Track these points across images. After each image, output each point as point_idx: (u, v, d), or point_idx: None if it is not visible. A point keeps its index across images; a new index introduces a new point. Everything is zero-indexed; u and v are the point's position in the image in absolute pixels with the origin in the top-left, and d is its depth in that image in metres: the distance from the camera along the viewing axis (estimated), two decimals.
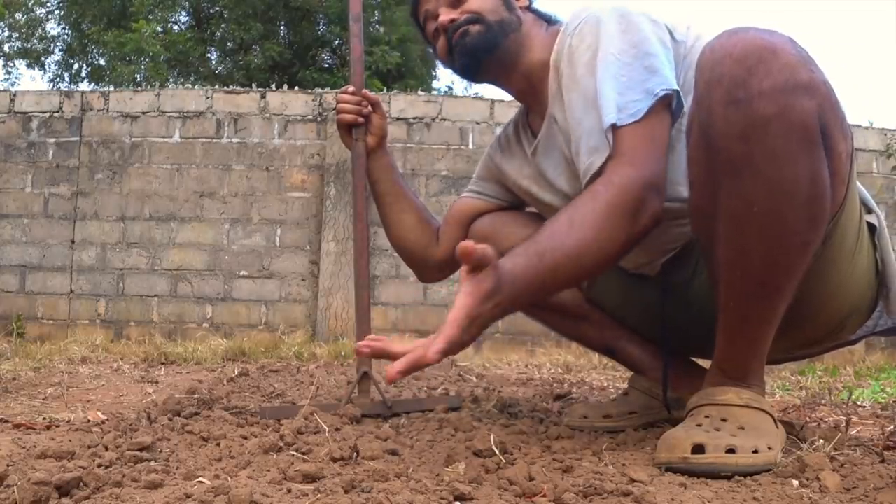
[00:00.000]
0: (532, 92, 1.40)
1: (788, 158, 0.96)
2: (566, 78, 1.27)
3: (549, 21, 1.43)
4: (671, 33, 1.24)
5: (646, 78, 1.16)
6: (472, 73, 1.41)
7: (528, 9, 1.44)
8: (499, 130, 1.56)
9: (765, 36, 0.98)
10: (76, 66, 12.82)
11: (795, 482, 0.96)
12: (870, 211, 1.24)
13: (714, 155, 1.01)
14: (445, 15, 1.38)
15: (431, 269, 1.65)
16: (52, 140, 5.17)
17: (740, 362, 1.11)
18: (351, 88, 1.59)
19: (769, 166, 0.97)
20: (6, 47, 12.83)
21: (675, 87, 1.16)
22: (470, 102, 5.23)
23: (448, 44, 1.39)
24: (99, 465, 0.99)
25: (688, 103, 1.16)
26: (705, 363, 1.35)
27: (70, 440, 1.21)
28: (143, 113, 5.17)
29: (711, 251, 1.09)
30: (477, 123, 5.11)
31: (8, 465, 0.97)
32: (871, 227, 1.23)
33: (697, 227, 1.15)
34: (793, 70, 0.95)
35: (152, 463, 1.03)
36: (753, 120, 0.95)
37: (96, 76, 12.47)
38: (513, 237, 1.48)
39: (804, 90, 0.95)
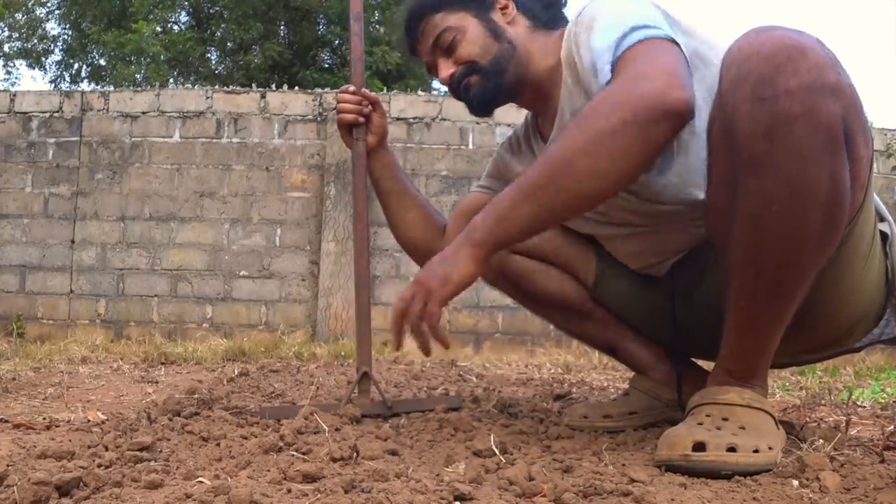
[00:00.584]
0: (543, 98, 1.39)
1: (811, 159, 0.96)
2: (575, 57, 1.26)
3: (546, 23, 1.41)
4: (676, 24, 1.23)
5: (647, 26, 1.15)
6: (487, 114, 1.46)
7: (521, 12, 1.42)
8: (499, 130, 1.59)
9: (793, 35, 0.97)
10: (76, 66, 12.83)
11: (795, 482, 0.96)
12: (882, 219, 1.24)
13: (736, 152, 1.01)
14: (444, 70, 1.42)
15: None
16: (52, 140, 5.17)
17: (746, 362, 1.11)
18: (351, 88, 1.59)
19: (792, 166, 0.96)
20: (6, 47, 12.84)
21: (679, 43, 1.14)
22: None
23: (455, 93, 1.44)
24: (99, 465, 0.99)
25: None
26: (707, 364, 1.36)
27: (70, 440, 1.21)
28: (143, 113, 5.17)
29: (725, 249, 1.09)
30: (477, 123, 5.10)
31: (8, 465, 0.97)
32: (884, 236, 1.23)
33: (713, 225, 1.15)
34: (821, 71, 0.95)
35: (152, 463, 1.03)
36: (779, 118, 0.95)
37: (96, 76, 12.48)
38: None
39: (831, 92, 0.95)
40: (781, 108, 0.94)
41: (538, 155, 1.45)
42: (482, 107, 1.42)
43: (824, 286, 1.10)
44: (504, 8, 1.41)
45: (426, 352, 1.20)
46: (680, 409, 1.41)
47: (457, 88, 1.42)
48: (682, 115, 1.06)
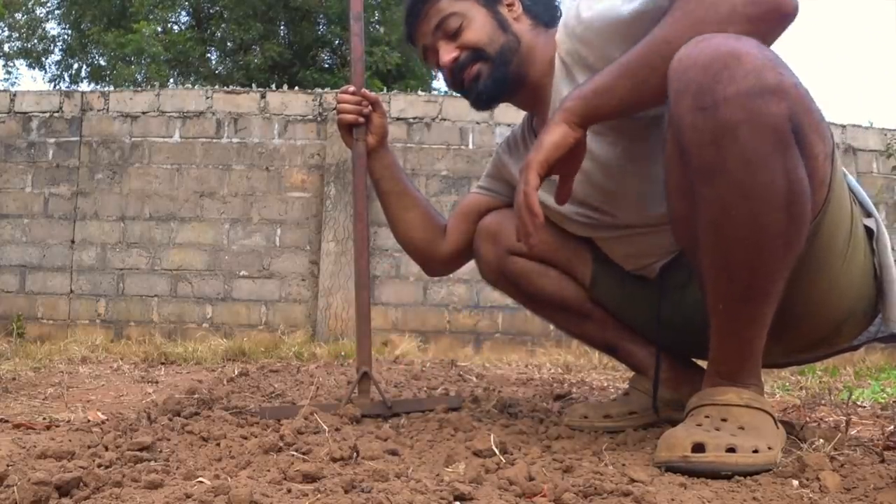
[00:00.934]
0: (539, 97, 1.39)
1: (761, 163, 0.96)
2: (581, 39, 1.25)
3: (546, 23, 1.42)
4: None
5: None
6: (490, 106, 1.45)
7: (526, 11, 1.43)
8: (499, 130, 1.59)
9: (730, 42, 0.97)
10: (76, 66, 12.83)
11: (795, 482, 0.96)
12: (868, 215, 1.23)
13: (687, 162, 1.02)
14: (446, 54, 1.40)
15: (437, 263, 1.66)
16: (52, 140, 5.16)
17: (734, 363, 1.11)
18: (351, 88, 1.59)
19: (742, 171, 0.97)
20: (6, 47, 12.84)
21: None
22: None
23: (453, 78, 1.42)
24: (99, 465, 0.99)
25: None
26: (705, 363, 1.36)
27: (70, 440, 1.21)
28: (143, 113, 5.17)
29: (695, 257, 1.09)
30: (477, 123, 5.10)
31: (8, 465, 0.97)
32: (869, 232, 1.22)
33: (679, 235, 1.16)
34: (758, 74, 0.95)
35: (152, 463, 1.03)
36: (721, 126, 0.95)
37: (96, 76, 12.48)
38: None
39: (772, 94, 0.95)
40: (722, 117, 0.95)
41: None
42: (490, 98, 1.41)
43: (801, 285, 1.10)
44: (510, 5, 1.42)
45: (526, 240, 1.17)
46: (655, 413, 1.42)
47: (458, 75, 1.40)
48: (791, 17, 1.03)
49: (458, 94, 1.49)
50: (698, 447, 1.00)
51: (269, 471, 0.97)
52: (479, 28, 1.38)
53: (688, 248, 1.13)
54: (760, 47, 0.98)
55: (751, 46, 0.97)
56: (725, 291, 1.05)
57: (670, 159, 1.08)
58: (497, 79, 1.37)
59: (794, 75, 0.99)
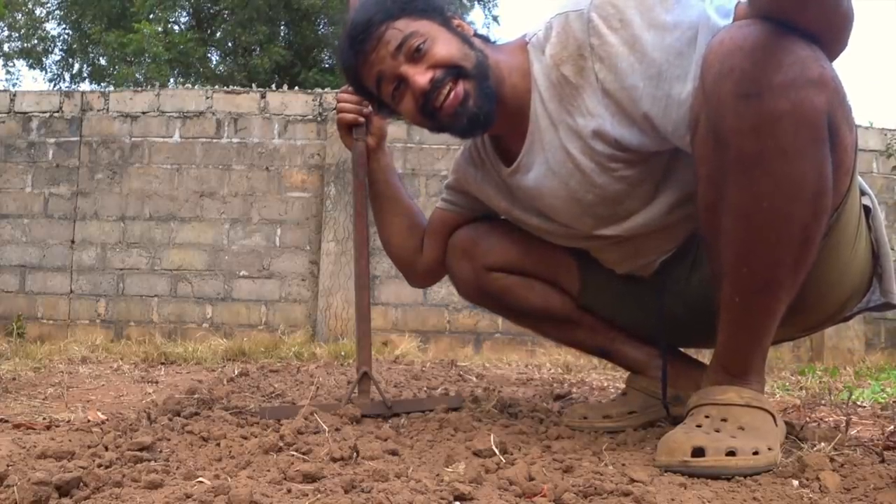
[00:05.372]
0: (510, 115, 1.28)
1: (798, 155, 0.96)
2: (602, 59, 1.15)
3: (488, 40, 1.33)
4: None
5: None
6: (481, 132, 1.34)
7: (476, 35, 1.32)
8: None
9: (776, 29, 0.96)
10: (76, 66, 12.83)
11: (795, 482, 0.96)
12: (863, 193, 1.24)
13: (723, 149, 1.01)
14: (420, 76, 1.23)
15: (416, 275, 1.65)
16: (52, 140, 5.16)
17: (743, 358, 1.11)
18: (351, 88, 1.58)
19: (779, 162, 0.96)
20: (6, 47, 12.84)
21: None
22: None
23: (426, 104, 1.25)
24: (99, 465, 0.99)
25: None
26: (703, 357, 1.36)
27: (70, 440, 1.21)
28: (143, 113, 5.17)
29: (716, 246, 1.09)
30: None
31: (8, 465, 0.97)
32: (866, 210, 1.23)
33: (704, 223, 1.15)
34: (804, 65, 0.94)
35: (152, 463, 1.03)
36: (764, 115, 0.95)
37: (97, 76, 12.47)
38: (494, 249, 1.48)
39: (815, 85, 0.94)
40: (767, 105, 0.94)
41: (502, 178, 1.37)
42: (486, 118, 1.25)
43: (815, 273, 1.10)
44: (460, 25, 1.31)
45: None
46: (665, 410, 1.42)
47: (433, 96, 1.23)
48: (840, 48, 1.01)
49: (430, 129, 1.31)
50: (698, 451, 1.00)
51: (269, 471, 0.97)
52: (446, 44, 1.25)
53: (710, 236, 1.12)
54: (803, 37, 0.97)
55: (796, 35, 0.96)
56: (745, 282, 1.05)
57: (702, 145, 1.06)
58: (487, 94, 1.23)
59: (832, 68, 0.98)
